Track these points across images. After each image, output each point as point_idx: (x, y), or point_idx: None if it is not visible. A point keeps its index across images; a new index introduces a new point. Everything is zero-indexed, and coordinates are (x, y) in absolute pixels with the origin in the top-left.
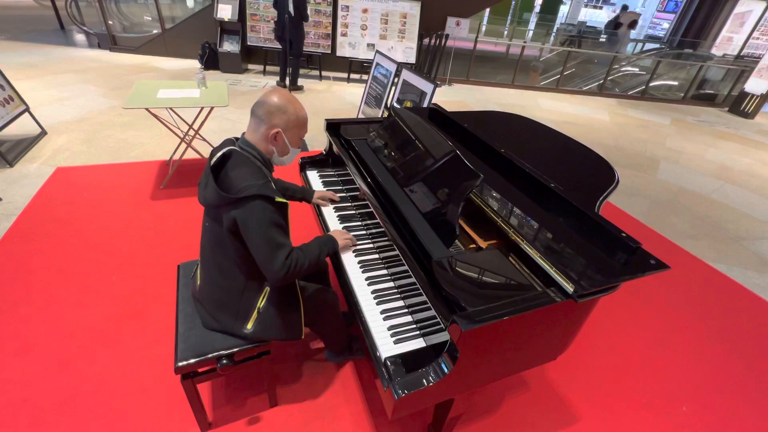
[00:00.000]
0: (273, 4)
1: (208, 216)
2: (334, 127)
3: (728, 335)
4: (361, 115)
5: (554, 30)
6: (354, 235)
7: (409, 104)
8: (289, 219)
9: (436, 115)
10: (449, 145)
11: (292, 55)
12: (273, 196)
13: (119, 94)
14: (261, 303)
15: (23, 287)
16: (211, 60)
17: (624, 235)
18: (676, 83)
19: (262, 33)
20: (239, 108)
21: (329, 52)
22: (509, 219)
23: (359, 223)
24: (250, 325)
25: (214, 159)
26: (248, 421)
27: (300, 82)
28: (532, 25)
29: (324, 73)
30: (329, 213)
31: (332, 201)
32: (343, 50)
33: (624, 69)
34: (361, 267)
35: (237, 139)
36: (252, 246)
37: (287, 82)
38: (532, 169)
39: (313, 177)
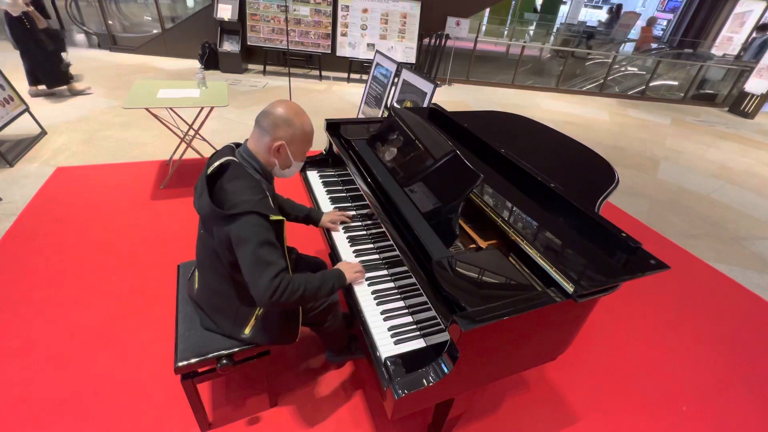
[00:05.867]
0: None
1: (203, 225)
2: (334, 127)
3: (728, 335)
4: (361, 115)
5: (554, 30)
6: (354, 236)
7: (409, 104)
8: (285, 237)
9: (436, 115)
10: (449, 145)
11: None
12: (268, 213)
13: (119, 94)
14: (260, 311)
15: (23, 287)
16: (211, 60)
17: (624, 235)
18: (676, 83)
19: (262, 33)
20: (239, 108)
21: (329, 52)
22: (509, 219)
23: (359, 224)
24: (247, 331)
25: (212, 168)
26: (248, 421)
27: (300, 82)
28: (532, 25)
29: (324, 73)
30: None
31: (343, 222)
32: (343, 50)
33: (623, 69)
34: None
35: (238, 145)
36: (242, 263)
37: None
38: (532, 169)
39: (313, 177)
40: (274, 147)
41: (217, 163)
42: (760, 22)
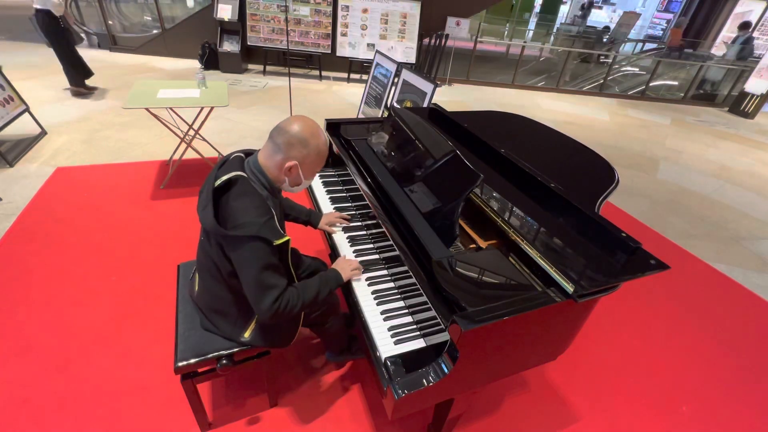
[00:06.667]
0: None
1: (204, 233)
2: (334, 127)
3: (728, 335)
4: (361, 115)
5: (554, 30)
6: (354, 236)
7: (409, 104)
8: (289, 254)
9: (436, 115)
10: (449, 145)
11: None
12: (272, 239)
13: (119, 94)
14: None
15: (23, 287)
16: (211, 60)
17: (624, 235)
18: (676, 83)
19: (262, 33)
20: (239, 108)
21: (329, 52)
22: (509, 219)
23: (359, 224)
24: (247, 334)
25: (219, 182)
26: (248, 421)
27: (300, 82)
28: (532, 25)
29: (324, 73)
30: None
31: (341, 224)
32: (343, 50)
33: (624, 69)
34: None
35: (247, 154)
36: (243, 283)
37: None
38: (532, 169)
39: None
40: (286, 167)
41: (225, 177)
42: (742, 21)
